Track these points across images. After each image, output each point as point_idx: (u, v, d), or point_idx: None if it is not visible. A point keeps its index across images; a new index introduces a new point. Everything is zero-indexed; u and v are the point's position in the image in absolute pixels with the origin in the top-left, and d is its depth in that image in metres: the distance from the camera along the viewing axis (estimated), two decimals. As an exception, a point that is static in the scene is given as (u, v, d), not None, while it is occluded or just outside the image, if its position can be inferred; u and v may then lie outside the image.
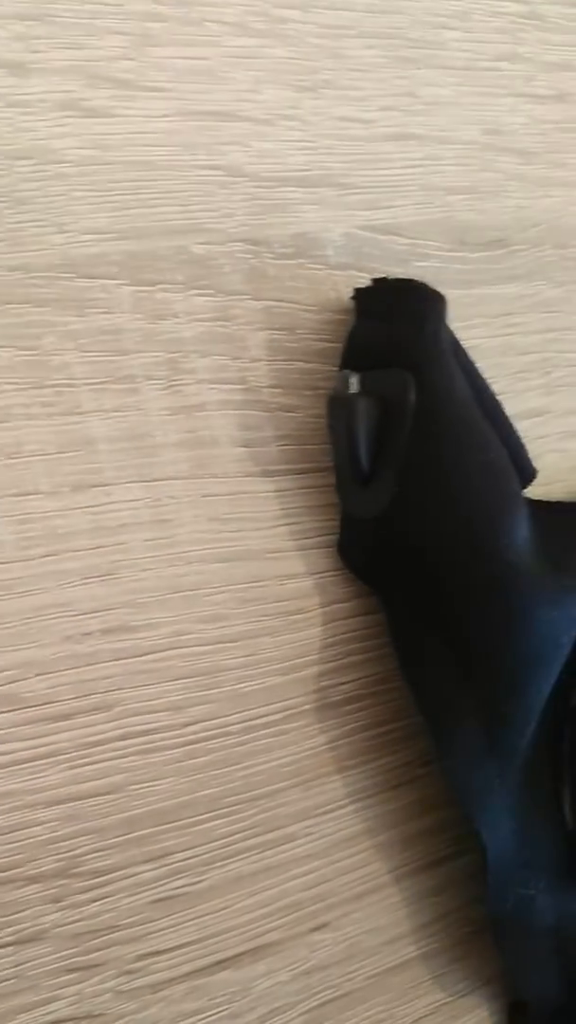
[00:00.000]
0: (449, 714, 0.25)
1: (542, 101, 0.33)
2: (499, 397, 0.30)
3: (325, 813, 0.28)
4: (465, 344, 0.29)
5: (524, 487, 0.29)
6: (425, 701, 0.26)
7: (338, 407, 0.25)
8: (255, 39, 0.28)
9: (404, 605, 0.27)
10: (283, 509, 0.27)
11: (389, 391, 0.25)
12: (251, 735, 0.27)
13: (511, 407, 0.32)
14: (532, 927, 0.27)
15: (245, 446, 0.27)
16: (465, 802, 0.26)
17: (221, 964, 0.26)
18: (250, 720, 0.27)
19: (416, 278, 0.30)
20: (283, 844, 0.27)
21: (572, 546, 0.27)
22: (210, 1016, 0.26)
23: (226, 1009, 0.26)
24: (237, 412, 0.27)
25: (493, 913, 0.27)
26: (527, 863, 0.27)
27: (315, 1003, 0.27)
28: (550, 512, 0.29)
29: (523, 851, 0.27)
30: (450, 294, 0.31)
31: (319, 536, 0.28)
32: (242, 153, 0.27)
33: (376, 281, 0.26)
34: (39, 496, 0.24)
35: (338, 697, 0.28)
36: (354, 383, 0.25)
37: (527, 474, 0.29)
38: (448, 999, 0.29)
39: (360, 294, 0.27)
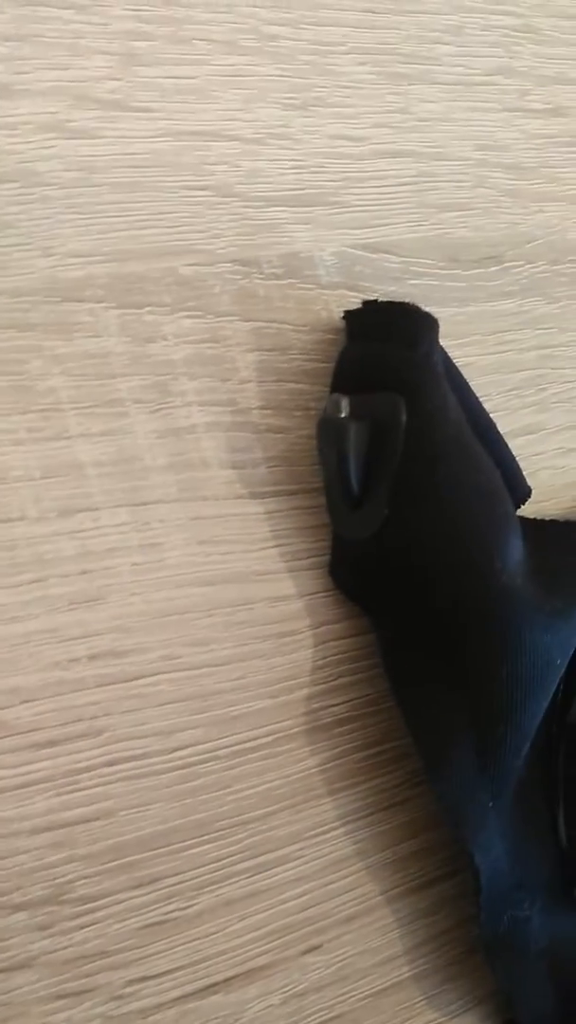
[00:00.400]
0: (441, 736, 0.25)
1: (536, 115, 0.33)
2: (493, 415, 0.30)
3: (316, 836, 0.28)
4: (459, 362, 0.29)
5: (518, 507, 0.28)
6: (417, 723, 0.26)
7: (329, 431, 0.25)
8: (244, 57, 0.28)
9: (395, 627, 0.27)
10: (273, 531, 0.27)
11: (380, 414, 0.25)
12: (241, 759, 0.27)
13: (506, 424, 0.31)
14: (525, 948, 0.27)
15: (235, 468, 0.27)
16: (457, 825, 0.26)
17: (212, 988, 0.26)
18: (240, 744, 0.27)
19: (408, 298, 0.30)
20: (274, 867, 0.27)
21: (564, 568, 0.27)
22: (200, 1041, 0.26)
23: (216, 1034, 0.26)
24: (227, 434, 0.27)
25: (486, 935, 0.27)
26: (520, 884, 0.27)
27: (306, 1027, 0.27)
28: (543, 531, 0.29)
29: (516, 872, 0.27)
30: (444, 312, 0.30)
31: (310, 557, 0.28)
32: (231, 173, 0.27)
33: (367, 303, 0.26)
34: (26, 522, 0.24)
35: (329, 719, 0.28)
36: (345, 406, 0.25)
37: (521, 493, 0.28)
38: (441, 1019, 0.29)
39: (350, 316, 0.26)
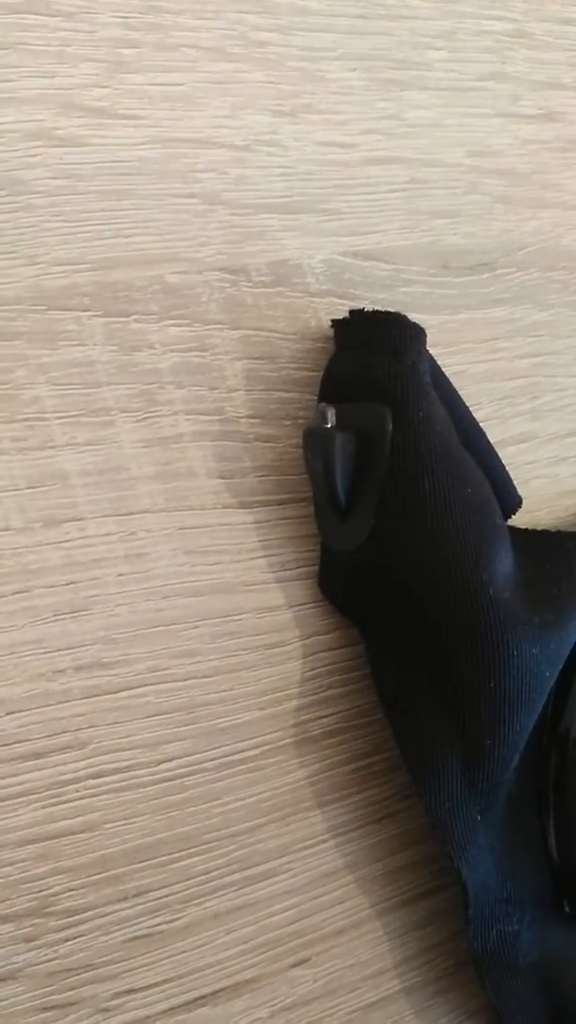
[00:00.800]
0: (429, 750, 0.25)
1: (529, 121, 0.32)
2: (485, 423, 0.29)
3: (305, 848, 0.27)
4: (450, 370, 0.29)
5: (509, 516, 0.28)
6: (405, 736, 0.26)
7: (315, 441, 0.25)
8: (232, 64, 0.27)
9: (384, 638, 0.26)
10: (261, 541, 0.27)
11: (366, 425, 0.25)
12: (228, 771, 0.26)
13: (497, 433, 0.31)
14: (516, 962, 0.27)
15: (222, 477, 0.27)
16: (445, 838, 0.25)
17: (199, 1001, 0.26)
18: (227, 756, 0.26)
19: (399, 305, 0.29)
20: (262, 880, 0.27)
21: (552, 579, 0.27)
22: (186, 1055, 0.26)
23: (203, 1048, 0.26)
24: (214, 443, 0.27)
25: (475, 949, 0.27)
26: (509, 898, 0.27)
27: (294, 1040, 0.27)
28: (534, 542, 0.28)
29: (505, 886, 0.27)
30: (435, 319, 0.30)
31: (298, 568, 0.28)
32: (218, 180, 0.27)
33: (353, 313, 0.26)
34: (10, 532, 0.24)
35: (318, 731, 0.28)
36: (331, 416, 0.25)
37: (511, 503, 0.28)
38: (431, 1034, 0.29)
39: (338, 325, 0.26)
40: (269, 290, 0.28)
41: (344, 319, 0.26)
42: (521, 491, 0.29)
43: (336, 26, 0.29)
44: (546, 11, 0.33)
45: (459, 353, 0.31)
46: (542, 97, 0.33)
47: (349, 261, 0.29)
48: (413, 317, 0.27)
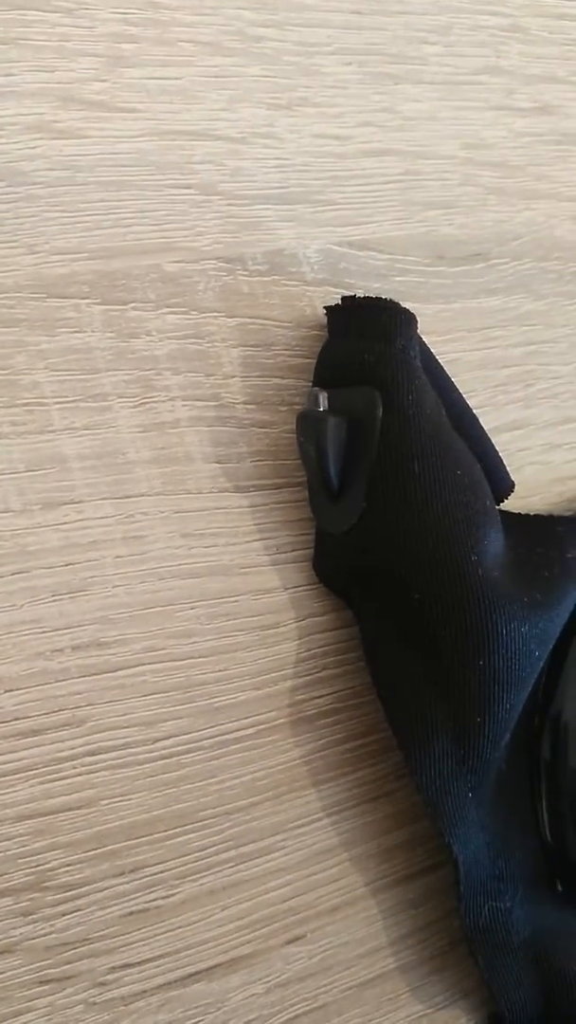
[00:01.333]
0: (420, 727, 0.25)
1: (524, 114, 0.33)
2: (479, 410, 0.30)
3: (300, 826, 0.28)
4: (444, 358, 0.29)
5: (500, 501, 0.29)
6: (397, 714, 0.26)
7: (307, 425, 0.25)
8: (229, 58, 0.28)
9: (377, 619, 0.27)
10: (257, 524, 0.28)
11: (357, 409, 0.25)
12: (224, 749, 0.27)
13: (491, 420, 0.32)
14: (508, 940, 0.27)
15: (219, 462, 0.27)
16: (436, 815, 0.26)
17: (194, 976, 0.26)
18: (223, 735, 0.27)
19: (393, 294, 0.30)
20: (257, 857, 0.27)
21: (543, 561, 0.27)
22: (183, 1028, 0.26)
23: (200, 1021, 0.26)
24: (211, 428, 0.27)
25: (467, 926, 0.27)
26: (501, 875, 0.27)
27: (290, 1015, 0.28)
28: (526, 525, 0.29)
29: (497, 863, 0.27)
30: (429, 308, 0.31)
31: (294, 551, 0.28)
32: (215, 172, 0.28)
33: (345, 299, 0.26)
34: (9, 514, 0.25)
35: (313, 711, 0.28)
36: (323, 400, 0.25)
37: (504, 488, 0.29)
38: (426, 1012, 0.29)
39: (331, 312, 0.27)
40: (265, 279, 0.28)
41: (336, 305, 0.27)
42: (515, 477, 0.29)
43: (331, 21, 0.30)
44: (541, 6, 0.33)
45: (453, 341, 0.31)
46: (536, 91, 0.33)
47: (344, 251, 0.29)
48: (408, 306, 0.27)
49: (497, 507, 0.28)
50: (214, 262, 0.27)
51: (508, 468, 0.29)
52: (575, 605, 0.28)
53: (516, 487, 0.29)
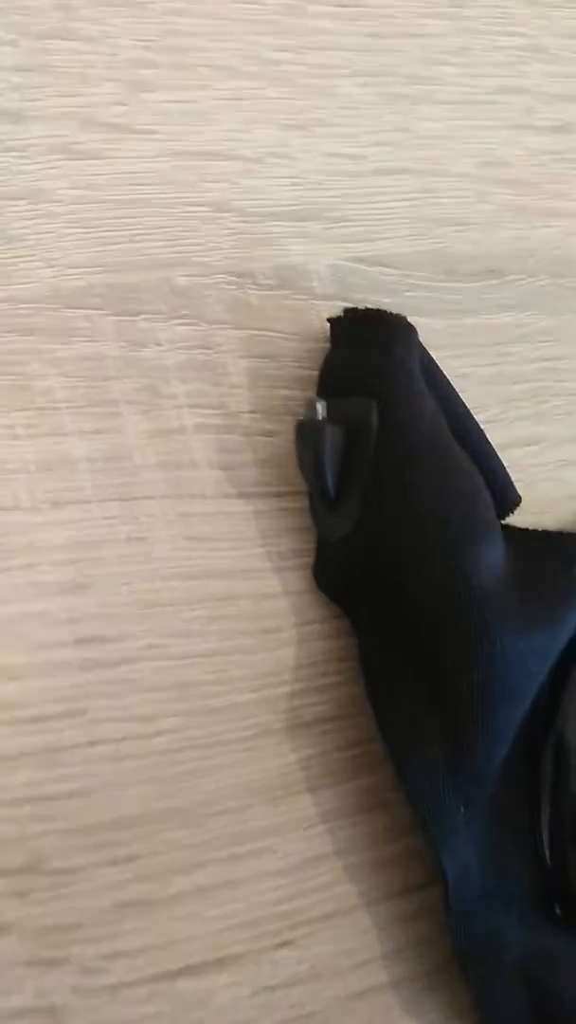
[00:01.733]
0: (412, 738, 0.26)
1: (541, 132, 0.33)
2: (490, 425, 0.30)
3: (294, 831, 0.28)
4: (455, 373, 0.29)
5: (505, 514, 0.29)
6: (388, 724, 0.26)
7: (305, 433, 0.26)
8: (246, 81, 0.29)
9: (372, 628, 0.27)
10: (260, 530, 0.28)
11: (355, 418, 0.26)
12: (220, 749, 0.27)
13: (503, 435, 0.32)
14: (499, 959, 0.27)
15: (223, 469, 0.28)
16: (426, 828, 0.26)
17: (183, 971, 0.27)
18: (220, 735, 0.27)
19: (404, 309, 0.30)
20: (249, 858, 0.28)
21: (546, 576, 0.27)
22: (169, 1022, 0.27)
23: (185, 1017, 0.27)
24: (216, 436, 0.28)
25: (458, 943, 0.27)
26: (494, 893, 0.27)
27: (276, 1020, 0.28)
28: (530, 540, 0.29)
29: (490, 881, 0.27)
30: (440, 323, 0.31)
31: (296, 557, 0.29)
32: (229, 190, 0.29)
33: (347, 311, 0.27)
34: (19, 511, 0.26)
35: (310, 717, 0.28)
36: (321, 409, 0.26)
37: (509, 501, 0.29)
38: (419, 1029, 0.29)
39: (333, 323, 0.27)
40: (274, 292, 0.29)
41: (338, 317, 0.27)
42: (527, 494, 0.29)
43: (347, 44, 0.31)
44: (560, 27, 0.33)
45: (465, 356, 0.31)
46: (555, 110, 0.33)
47: (355, 266, 0.30)
48: (418, 321, 0.28)
49: (503, 521, 0.28)
50: (225, 276, 0.29)
51: (520, 484, 0.29)
52: (580, 622, 0.27)
53: (529, 503, 0.29)
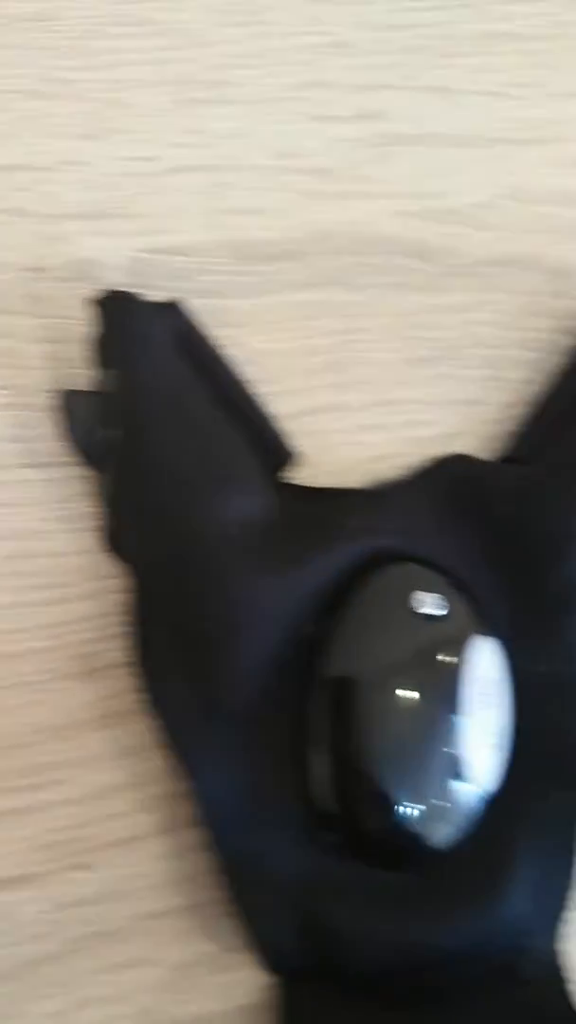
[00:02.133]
0: (157, 670, 0.28)
1: (343, 121, 0.35)
2: (292, 394, 0.32)
3: (89, 764, 0.31)
4: (253, 348, 0.32)
5: (278, 469, 0.31)
6: (139, 659, 0.29)
7: (65, 404, 0.29)
8: (45, 101, 0.33)
9: (140, 582, 0.30)
10: (55, 495, 0.32)
11: (105, 388, 0.29)
12: (18, 691, 0.31)
13: (304, 403, 0.34)
14: (264, 880, 0.28)
15: (22, 442, 0.32)
16: (176, 755, 0.28)
17: (-13, 885, 0.30)
18: (18, 676, 0.31)
19: (200, 294, 0.33)
20: (48, 788, 0.31)
21: (305, 523, 0.29)
22: (-31, 929, 0.30)
23: (-14, 925, 0.30)
24: (15, 413, 0.32)
25: (222, 862, 0.29)
26: (257, 817, 0.29)
27: (79, 933, 0.30)
28: (306, 494, 0.31)
29: (253, 805, 0.29)
30: (239, 303, 0.34)
31: (88, 520, 0.32)
32: (27, 197, 0.33)
33: (102, 292, 0.30)
34: None
35: (100, 664, 0.31)
36: (80, 383, 0.29)
37: (280, 458, 0.31)
38: (217, 951, 0.31)
39: (91, 304, 0.31)
40: (69, 284, 0.33)
41: (94, 298, 0.30)
42: (329, 457, 0.32)
43: (143, 60, 0.34)
44: (368, 19, 0.35)
45: (265, 332, 0.34)
46: (358, 100, 0.35)
47: (149, 256, 0.33)
48: (215, 302, 0.31)
49: (285, 478, 0.31)
50: (23, 272, 0.32)
51: (322, 448, 0.32)
52: (352, 565, 0.29)
53: (331, 465, 0.32)
